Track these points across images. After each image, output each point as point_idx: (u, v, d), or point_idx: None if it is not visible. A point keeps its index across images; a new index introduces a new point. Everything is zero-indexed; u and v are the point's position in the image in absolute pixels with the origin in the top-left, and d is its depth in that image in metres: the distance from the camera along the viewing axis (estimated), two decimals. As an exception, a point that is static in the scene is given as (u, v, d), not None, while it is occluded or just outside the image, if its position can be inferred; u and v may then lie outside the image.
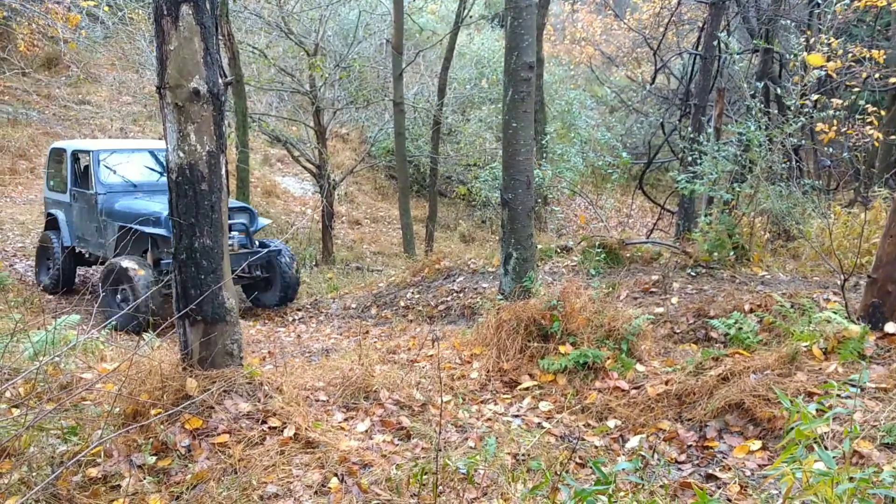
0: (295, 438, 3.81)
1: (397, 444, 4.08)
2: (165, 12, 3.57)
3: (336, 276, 10.87)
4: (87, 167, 9.15)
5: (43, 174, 9.85)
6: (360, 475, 3.59)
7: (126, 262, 7.87)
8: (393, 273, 9.88)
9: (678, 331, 6.26)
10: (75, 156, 9.33)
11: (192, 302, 3.85)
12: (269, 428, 3.86)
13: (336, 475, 3.56)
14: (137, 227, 7.98)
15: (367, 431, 4.18)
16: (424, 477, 3.46)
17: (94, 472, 3.44)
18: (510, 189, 5.38)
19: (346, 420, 4.33)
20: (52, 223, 9.84)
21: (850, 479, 2.59)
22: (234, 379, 3.96)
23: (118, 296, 7.94)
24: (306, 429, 3.86)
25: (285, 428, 3.85)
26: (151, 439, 3.63)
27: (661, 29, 13.46)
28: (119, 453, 3.56)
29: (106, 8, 9.75)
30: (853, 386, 3.93)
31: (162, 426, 3.69)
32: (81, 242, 9.34)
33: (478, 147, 14.24)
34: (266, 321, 8.63)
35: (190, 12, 3.56)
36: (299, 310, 8.84)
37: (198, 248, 3.84)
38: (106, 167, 8.96)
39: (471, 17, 13.69)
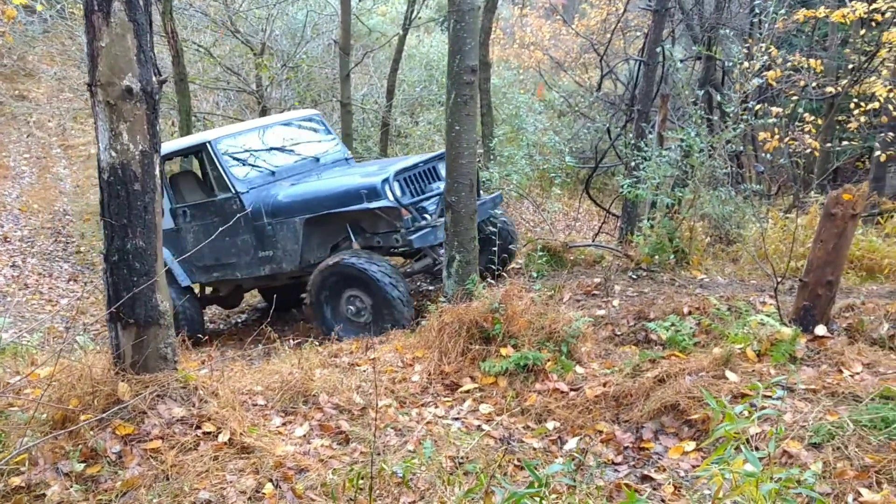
0: (230, 443, 3.75)
1: (335, 449, 4.05)
2: (96, 7, 3.48)
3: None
4: (203, 168, 7.58)
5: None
6: (295, 480, 3.55)
7: (358, 260, 6.36)
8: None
9: (619, 333, 6.33)
10: (165, 159, 7.18)
11: (124, 305, 3.76)
12: (204, 433, 3.79)
13: (271, 480, 3.51)
14: (350, 207, 6.46)
15: (305, 436, 4.14)
16: (361, 481, 3.44)
17: (17, 480, 3.33)
18: (453, 192, 5.39)
19: (284, 424, 4.28)
20: None
21: (775, 479, 2.65)
22: (167, 383, 3.88)
23: (350, 306, 6.56)
24: (242, 434, 3.81)
25: (220, 433, 3.79)
26: (80, 446, 3.54)
27: (608, 35, 13.63)
28: (45, 461, 3.46)
29: (41, 6, 9.38)
30: (783, 388, 4.02)
31: (91, 432, 3.60)
32: (214, 272, 7.36)
33: (427, 149, 14.24)
34: (208, 324, 8.50)
35: (122, 8, 3.48)
36: (243, 312, 8.73)
37: (130, 250, 3.76)
38: (233, 158, 7.21)
39: (420, 18, 13.69)
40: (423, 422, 4.41)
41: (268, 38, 12.76)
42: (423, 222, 6.62)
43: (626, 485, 3.57)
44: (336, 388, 4.66)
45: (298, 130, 8.00)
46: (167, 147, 7.29)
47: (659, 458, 3.91)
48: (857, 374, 4.16)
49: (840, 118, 12.00)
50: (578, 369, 4.84)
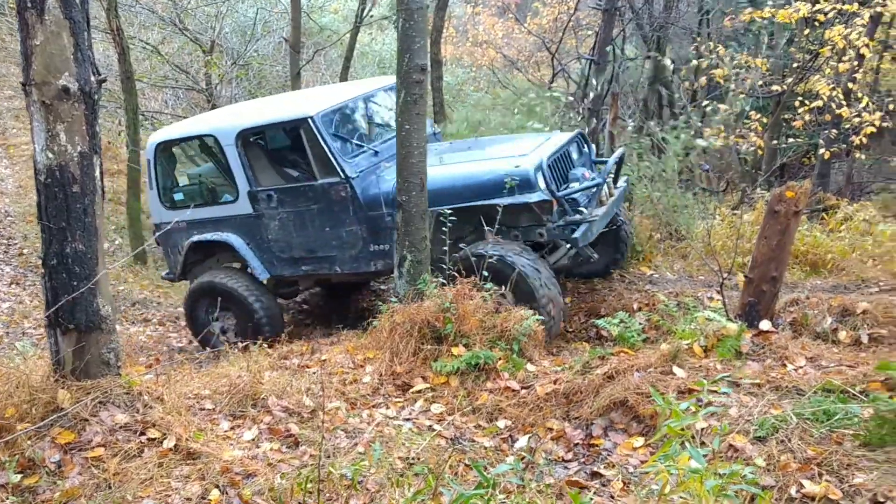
0: (175, 449, 3.68)
1: (284, 452, 4.00)
2: (29, 4, 3.38)
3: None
4: (298, 147, 6.59)
5: (151, 189, 6.90)
6: (242, 486, 3.49)
7: (503, 251, 5.56)
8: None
9: (570, 330, 6.40)
10: (246, 139, 6.43)
11: (63, 310, 3.66)
12: (148, 439, 3.71)
13: (217, 487, 3.46)
14: (499, 200, 5.64)
15: (253, 440, 4.08)
16: (309, 485, 3.40)
17: (-50, 493, 3.23)
18: (404, 191, 5.36)
19: (232, 429, 4.22)
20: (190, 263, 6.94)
21: (719, 474, 2.68)
22: (110, 389, 3.79)
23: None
24: (187, 439, 3.74)
25: (165, 439, 3.72)
26: (17, 456, 3.44)
27: (560, 34, 13.73)
28: (-20, 472, 3.36)
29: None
30: (730, 384, 4.08)
31: (29, 442, 3.50)
32: (304, 265, 6.55)
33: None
34: (157, 326, 8.34)
35: (57, 5, 3.38)
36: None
37: (69, 254, 3.66)
38: (336, 136, 6.26)
39: (371, 16, 13.62)
40: (373, 423, 4.38)
41: (217, 35, 12.58)
42: (578, 216, 5.85)
43: (574, 482, 3.59)
44: (285, 390, 4.60)
45: (384, 102, 7.11)
46: (249, 122, 6.50)
47: (608, 455, 3.94)
48: (801, 367, 4.24)
49: (786, 116, 12.25)
50: (530, 367, 4.86)
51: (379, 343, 5.20)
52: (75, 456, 3.51)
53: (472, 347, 4.89)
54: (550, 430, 4.22)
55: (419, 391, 4.77)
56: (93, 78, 3.62)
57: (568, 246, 6.04)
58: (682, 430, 2.90)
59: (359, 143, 6.48)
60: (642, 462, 3.79)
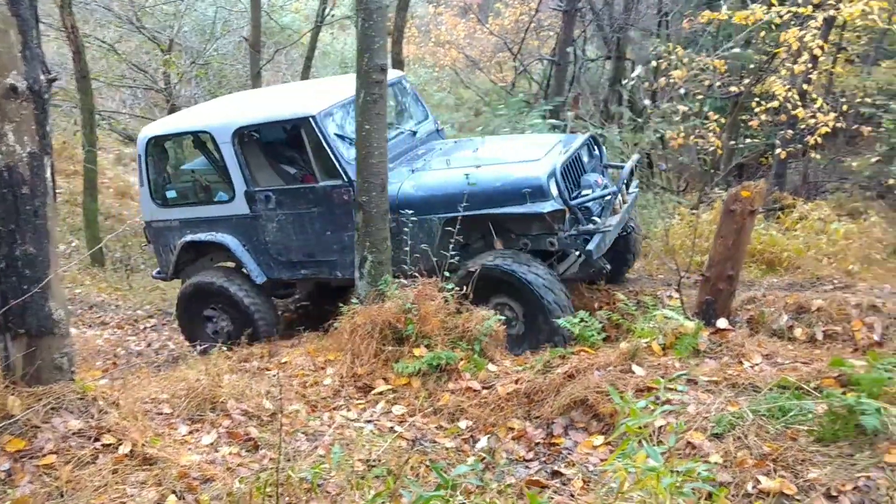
0: (131, 455, 3.61)
1: (244, 456, 3.96)
2: (-25, 1, 3.29)
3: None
4: (296, 145, 6.33)
5: (142, 185, 6.65)
6: (200, 490, 3.45)
7: (504, 261, 5.43)
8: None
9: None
10: (242, 136, 6.19)
11: (12, 314, 3.58)
12: (103, 445, 3.64)
13: (174, 492, 3.40)
14: (509, 210, 5.46)
15: (212, 444, 4.04)
16: (268, 489, 3.36)
17: None
18: (364, 192, 5.33)
19: (190, 433, 4.16)
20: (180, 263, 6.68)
21: (676, 472, 2.70)
22: (63, 395, 3.70)
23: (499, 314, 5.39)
24: (144, 445, 3.67)
25: (120, 445, 3.64)
26: (-35, 465, 3.35)
27: (522, 34, 13.79)
28: (-74, 482, 3.26)
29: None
30: (688, 381, 4.12)
31: (-22, 450, 3.41)
32: (303, 268, 6.27)
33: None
34: (115, 329, 8.20)
35: (3, 2, 3.30)
36: (151, 317, 8.45)
37: (19, 257, 3.57)
38: (338, 136, 5.95)
39: (333, 16, 13.55)
40: (334, 425, 4.35)
41: (176, 34, 12.41)
42: (591, 226, 5.63)
43: (535, 482, 3.60)
44: (245, 393, 4.56)
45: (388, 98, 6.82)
46: (246, 119, 6.25)
47: (569, 453, 3.96)
48: (757, 364, 4.30)
49: (743, 116, 12.44)
50: (491, 367, 4.86)
51: (340, 345, 5.17)
52: (26, 464, 3.43)
53: (434, 348, 4.88)
54: (512, 429, 4.23)
55: (380, 393, 4.75)
56: (42, 77, 3.54)
57: (577, 254, 5.84)
58: (640, 428, 2.93)
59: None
60: (602, 460, 3.81)
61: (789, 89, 10.46)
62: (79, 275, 10.02)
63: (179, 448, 3.87)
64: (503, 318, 5.22)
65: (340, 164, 5.85)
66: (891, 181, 10.07)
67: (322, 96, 6.28)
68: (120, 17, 12.33)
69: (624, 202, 6.05)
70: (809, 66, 10.63)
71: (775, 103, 10.70)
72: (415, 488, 2.99)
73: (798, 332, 5.20)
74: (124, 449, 3.62)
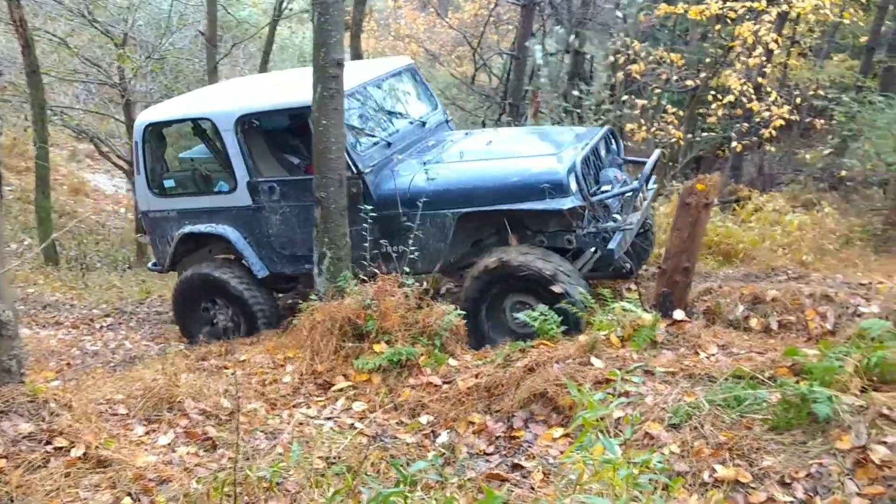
0: (84, 458, 3.55)
1: (202, 456, 3.92)
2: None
3: (150, 277, 10.30)
4: (301, 134, 5.99)
5: (138, 174, 6.39)
6: (156, 492, 3.40)
7: (526, 258, 5.17)
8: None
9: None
10: (245, 125, 5.94)
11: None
12: (55, 448, 3.57)
13: (129, 494, 3.35)
14: (529, 206, 5.23)
15: (169, 444, 3.99)
16: (227, 488, 3.32)
17: None
18: (322, 187, 5.29)
19: (146, 434, 4.11)
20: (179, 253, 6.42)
21: (633, 462, 2.72)
22: (12, 398, 3.63)
23: (516, 315, 5.35)
24: (98, 446, 3.62)
25: (73, 447, 3.58)
26: (-90, 471, 3.26)
27: (482, 28, 13.77)
28: None
29: None
30: (645, 373, 4.16)
31: (-77, 456, 3.32)
32: (307, 263, 5.81)
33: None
34: (70, 329, 8.04)
35: (-56, -5, 3.21)
36: (107, 315, 8.29)
37: (-35, 256, 3.48)
38: (348, 125, 5.61)
39: (291, 10, 13.41)
40: (294, 423, 4.32)
41: (130, 28, 12.15)
42: (612, 223, 5.43)
43: (495, 475, 3.61)
44: (203, 392, 4.50)
45: (395, 86, 6.61)
46: (250, 106, 6.04)
47: (529, 446, 3.97)
48: (713, 355, 4.35)
49: (700, 110, 12.59)
50: (452, 362, 4.86)
51: (299, 342, 5.13)
52: (-26, 469, 3.35)
53: (395, 344, 4.87)
54: (472, 423, 4.24)
55: (341, 389, 4.73)
56: (-13, 72, 3.45)
57: (593, 251, 5.64)
58: (598, 420, 2.94)
59: (370, 133, 5.97)
60: (562, 452, 3.83)
61: (744, 83, 10.62)
62: (32, 274, 9.80)
63: (135, 449, 3.81)
64: (520, 318, 5.12)
65: (349, 155, 5.56)
66: (843, 173, 10.29)
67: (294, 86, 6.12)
68: (71, 10, 12.04)
69: (644, 198, 5.92)
70: (764, 59, 10.81)
71: (731, 97, 10.85)
72: (374, 485, 2.98)
73: (753, 322, 5.27)
74: (77, 452, 3.56)
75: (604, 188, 5.67)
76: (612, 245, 5.33)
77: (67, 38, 12.10)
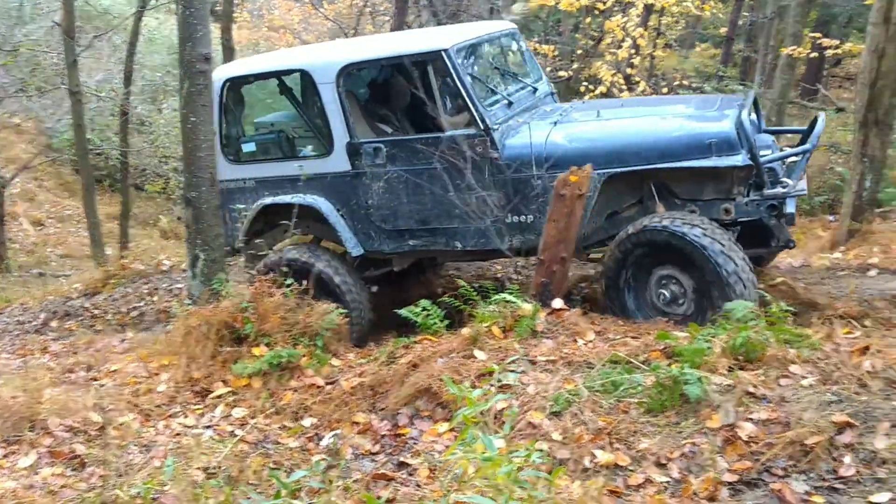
0: (-71, 490, 3.27)
1: (69, 476, 3.69)
2: None
3: (11, 285, 9.68)
4: (423, 86, 5.17)
5: (219, 139, 5.55)
6: (16, 521, 3.17)
7: (672, 223, 4.54)
8: (79, 278, 9.00)
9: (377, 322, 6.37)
10: (346, 72, 5.25)
11: None
12: None
13: (-15, 526, 3.11)
14: (692, 163, 4.64)
15: (31, 466, 3.73)
16: (96, 510, 3.15)
17: None
18: (193, 187, 5.09)
19: (5, 457, 3.83)
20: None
21: (511, 458, 2.74)
22: None
23: (662, 290, 4.73)
24: (-54, 476, 3.34)
25: (-81, 479, 3.30)
26: None
27: (357, 19, 13.66)
28: None
29: None
30: (528, 362, 4.22)
31: None
32: (413, 238, 5.30)
33: (174, 138, 13.47)
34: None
35: None
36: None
37: None
38: (472, 78, 5.09)
39: (157, 0, 12.86)
40: (170, 434, 4.14)
41: (-22, 18, 11.37)
42: (780, 189, 4.79)
43: (381, 475, 3.57)
44: (69, 407, 4.23)
45: (505, 48, 6.02)
46: (356, 56, 5.39)
47: (415, 443, 3.95)
48: (591, 341, 4.44)
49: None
50: (335, 362, 4.80)
51: (174, 348, 4.93)
52: None
53: (275, 346, 4.75)
54: (357, 423, 4.18)
55: (219, 396, 4.57)
56: None
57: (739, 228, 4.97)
58: (480, 415, 2.95)
59: (493, 89, 5.38)
60: (447, 447, 3.83)
61: (615, 74, 10.98)
62: None
63: (-8, 475, 3.55)
64: (666, 294, 4.72)
65: (477, 109, 4.98)
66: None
67: (448, 34, 5.53)
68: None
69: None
70: (632, 51, 11.21)
71: (603, 88, 11.20)
72: (254, 496, 2.88)
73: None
74: (-75, 483, 3.27)
75: (763, 153, 5.00)
76: (789, 209, 4.81)
77: None
